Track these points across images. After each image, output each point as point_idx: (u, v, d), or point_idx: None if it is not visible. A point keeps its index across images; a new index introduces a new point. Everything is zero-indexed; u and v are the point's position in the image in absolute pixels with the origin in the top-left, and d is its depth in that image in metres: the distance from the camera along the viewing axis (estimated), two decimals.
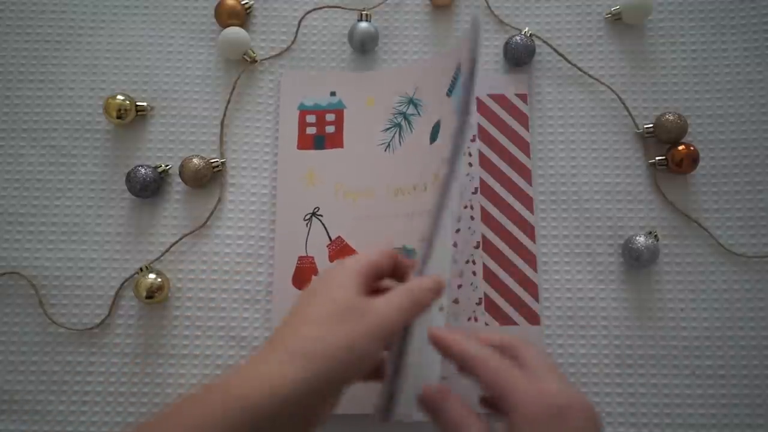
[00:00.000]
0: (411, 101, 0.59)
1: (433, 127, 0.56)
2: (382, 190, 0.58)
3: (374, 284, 0.42)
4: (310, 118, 0.59)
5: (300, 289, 0.56)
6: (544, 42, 0.61)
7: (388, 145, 0.59)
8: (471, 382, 0.39)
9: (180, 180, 0.58)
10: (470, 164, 0.58)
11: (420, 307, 0.40)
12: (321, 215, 0.58)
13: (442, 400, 0.40)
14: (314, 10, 0.62)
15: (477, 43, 0.44)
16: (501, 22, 0.62)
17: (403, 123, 0.59)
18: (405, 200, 0.57)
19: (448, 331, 0.41)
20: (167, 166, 0.59)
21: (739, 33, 0.61)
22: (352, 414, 0.55)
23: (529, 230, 0.57)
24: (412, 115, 0.59)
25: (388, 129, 0.59)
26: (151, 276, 0.56)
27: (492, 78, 0.60)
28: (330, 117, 0.59)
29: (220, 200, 0.59)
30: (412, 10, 0.63)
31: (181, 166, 0.58)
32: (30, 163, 0.60)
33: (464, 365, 0.39)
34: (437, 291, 0.41)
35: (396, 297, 0.39)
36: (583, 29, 0.62)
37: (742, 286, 0.57)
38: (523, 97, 0.60)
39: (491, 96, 0.60)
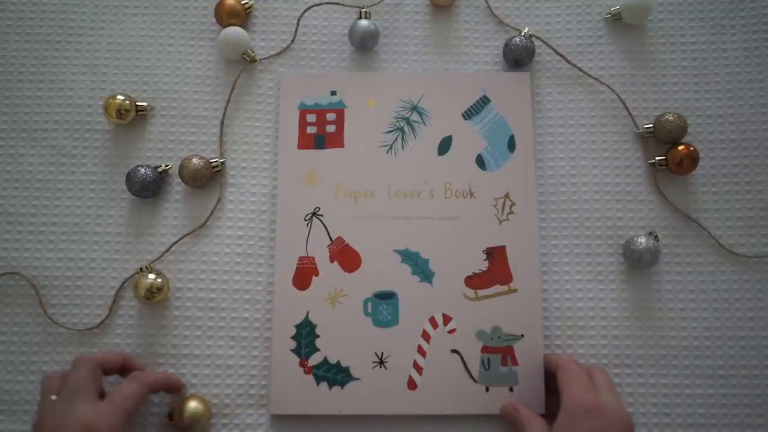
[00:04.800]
0: (415, 108, 0.59)
1: (441, 140, 0.59)
2: (382, 191, 0.58)
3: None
4: (311, 118, 0.59)
5: (300, 289, 0.56)
6: (544, 42, 0.61)
7: (390, 147, 0.59)
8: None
9: (180, 180, 0.58)
10: None
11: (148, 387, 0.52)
12: (321, 215, 0.58)
13: (516, 410, 0.53)
14: (313, 6, 0.62)
15: None
16: (501, 22, 0.62)
17: (406, 128, 0.59)
18: (406, 203, 0.58)
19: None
20: (167, 166, 0.59)
21: (739, 33, 0.61)
22: (353, 414, 0.55)
23: None
24: (416, 122, 0.59)
25: (390, 132, 0.59)
26: (151, 276, 0.56)
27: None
28: (330, 116, 0.59)
29: (219, 200, 0.59)
30: (412, 10, 0.63)
31: (181, 167, 0.58)
32: (30, 163, 0.60)
33: (554, 366, 0.53)
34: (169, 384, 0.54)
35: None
36: (583, 29, 0.62)
37: (742, 286, 0.57)
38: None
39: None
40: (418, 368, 0.55)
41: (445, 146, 0.59)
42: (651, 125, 0.59)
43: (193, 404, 0.54)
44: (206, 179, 0.58)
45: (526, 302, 0.56)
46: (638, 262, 0.56)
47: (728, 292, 0.57)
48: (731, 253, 0.58)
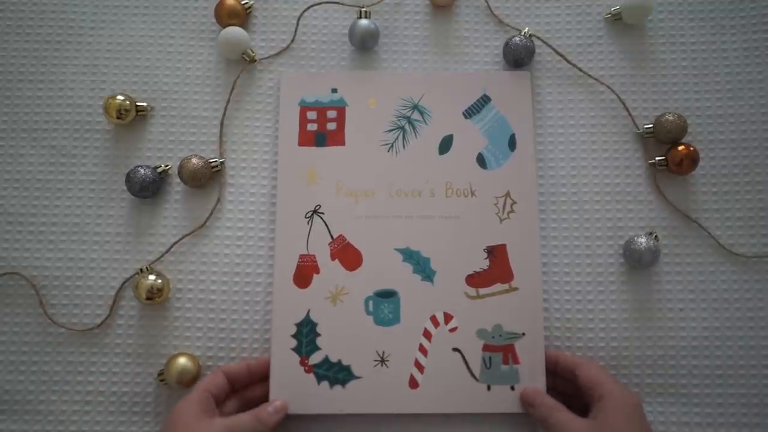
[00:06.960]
0: (416, 107, 0.59)
1: (442, 139, 0.59)
2: (383, 190, 0.58)
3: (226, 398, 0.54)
4: (311, 115, 0.59)
5: (301, 287, 0.56)
6: (544, 42, 0.61)
7: (391, 146, 0.59)
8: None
9: (179, 180, 0.58)
10: None
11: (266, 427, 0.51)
12: (322, 213, 0.57)
13: (536, 394, 0.53)
14: (313, 6, 0.62)
15: None
16: (501, 22, 0.62)
17: (407, 127, 0.59)
18: (407, 202, 0.58)
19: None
20: (167, 166, 0.59)
21: (739, 33, 0.61)
22: (354, 413, 0.55)
23: None
24: (417, 121, 0.59)
25: (391, 131, 0.59)
26: (152, 278, 0.56)
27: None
28: (331, 114, 0.59)
29: (219, 200, 0.59)
30: (412, 9, 0.63)
31: (180, 167, 0.58)
32: (30, 163, 0.60)
33: (572, 365, 0.53)
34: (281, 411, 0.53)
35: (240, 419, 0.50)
36: (583, 29, 0.62)
37: (742, 286, 0.57)
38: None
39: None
40: (420, 367, 0.55)
41: (445, 145, 0.59)
42: (651, 125, 0.59)
43: (182, 361, 0.54)
44: (205, 179, 0.58)
45: (527, 300, 0.56)
46: (638, 262, 0.56)
47: (728, 292, 0.57)
48: (731, 253, 0.58)
